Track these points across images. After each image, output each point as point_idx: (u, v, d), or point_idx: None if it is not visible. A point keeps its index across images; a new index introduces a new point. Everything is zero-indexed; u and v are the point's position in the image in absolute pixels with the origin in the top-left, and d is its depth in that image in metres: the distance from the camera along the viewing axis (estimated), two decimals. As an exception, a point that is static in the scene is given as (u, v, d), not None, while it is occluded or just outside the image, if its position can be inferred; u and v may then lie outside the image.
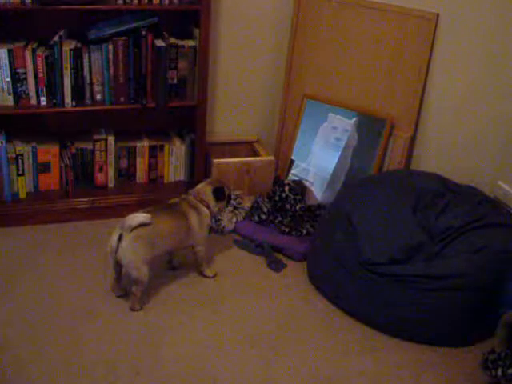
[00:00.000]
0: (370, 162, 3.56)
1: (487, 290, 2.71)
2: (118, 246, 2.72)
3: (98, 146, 3.54)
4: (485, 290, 2.70)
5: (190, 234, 2.97)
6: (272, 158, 3.82)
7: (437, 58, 3.32)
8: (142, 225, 2.74)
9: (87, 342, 2.65)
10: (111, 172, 3.63)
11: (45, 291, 2.93)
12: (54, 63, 3.24)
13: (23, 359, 2.52)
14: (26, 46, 3.24)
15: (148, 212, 2.82)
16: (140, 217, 2.75)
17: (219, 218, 3.45)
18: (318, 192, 3.70)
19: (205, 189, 3.08)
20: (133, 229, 2.71)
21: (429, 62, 3.34)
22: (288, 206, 3.52)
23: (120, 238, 2.71)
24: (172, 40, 3.43)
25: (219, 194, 3.09)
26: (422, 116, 3.44)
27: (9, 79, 3.23)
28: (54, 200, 3.50)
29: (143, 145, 3.68)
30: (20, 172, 3.45)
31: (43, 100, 3.31)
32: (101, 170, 3.60)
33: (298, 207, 3.50)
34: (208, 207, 3.04)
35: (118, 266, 2.81)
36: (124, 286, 2.91)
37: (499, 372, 2.42)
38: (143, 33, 3.32)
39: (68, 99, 3.32)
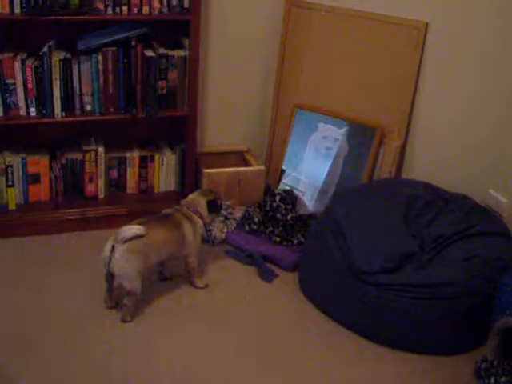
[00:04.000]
0: (360, 170, 3.56)
1: (479, 299, 2.70)
2: (110, 258, 2.71)
3: (88, 156, 3.53)
4: (476, 298, 2.70)
5: (184, 245, 2.96)
6: (263, 167, 3.82)
7: (426, 67, 3.33)
8: (136, 237, 2.73)
9: (77, 353, 2.63)
10: (101, 183, 3.62)
11: (34, 303, 2.91)
12: (43, 74, 3.23)
13: (12, 372, 2.50)
14: (15, 56, 3.23)
15: (141, 223, 2.81)
16: (134, 229, 2.74)
17: (210, 228, 3.44)
18: (309, 201, 3.70)
19: (198, 199, 3.08)
20: (126, 241, 2.70)
21: (418, 70, 3.35)
22: (279, 216, 3.51)
23: (113, 250, 2.70)
24: (162, 50, 3.42)
25: (213, 206, 3.10)
26: (413, 125, 3.44)
27: (-2, 90, 3.22)
28: (44, 211, 3.48)
29: (133, 155, 3.67)
30: (10, 183, 3.44)
31: (33, 111, 3.30)
32: (91, 180, 3.58)
33: (289, 217, 3.50)
34: (201, 218, 3.04)
35: (111, 277, 2.79)
36: (115, 298, 2.89)
37: (492, 380, 2.42)
38: (133, 43, 3.31)
39: (58, 110, 3.31)
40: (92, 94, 3.38)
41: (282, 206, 3.54)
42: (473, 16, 3.11)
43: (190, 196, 3.14)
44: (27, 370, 2.52)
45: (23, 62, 3.22)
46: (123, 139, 3.72)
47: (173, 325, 2.85)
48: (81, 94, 3.36)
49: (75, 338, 2.71)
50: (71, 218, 3.50)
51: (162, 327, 2.83)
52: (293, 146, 3.81)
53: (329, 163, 3.67)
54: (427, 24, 3.26)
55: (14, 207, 3.48)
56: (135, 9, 3.28)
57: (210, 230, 3.45)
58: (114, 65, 3.34)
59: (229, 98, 3.90)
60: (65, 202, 3.56)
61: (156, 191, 3.78)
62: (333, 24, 3.61)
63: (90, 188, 3.60)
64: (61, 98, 3.30)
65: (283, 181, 3.84)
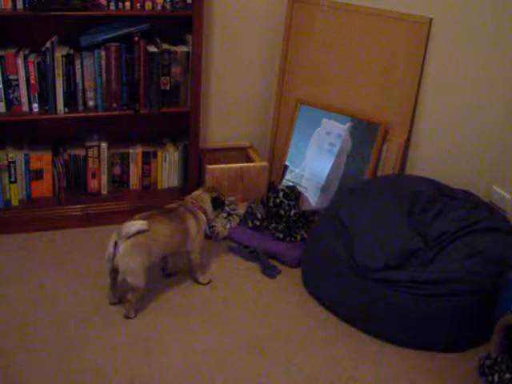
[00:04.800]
0: (364, 167, 3.55)
1: (482, 295, 2.70)
2: (114, 254, 2.71)
3: (90, 152, 3.53)
4: (480, 294, 2.70)
5: (187, 239, 2.96)
6: (266, 163, 3.81)
7: (430, 63, 3.32)
8: (140, 232, 2.73)
9: (81, 349, 2.63)
10: (104, 179, 3.61)
11: (38, 299, 2.91)
12: (46, 70, 3.22)
13: (15, 368, 2.50)
14: (17, 52, 3.23)
15: (145, 217, 2.81)
16: (137, 224, 2.74)
17: (213, 224, 3.44)
18: (312, 197, 3.69)
19: (202, 196, 3.09)
20: (130, 236, 2.70)
21: (422, 66, 3.34)
22: (282, 212, 3.50)
23: (117, 245, 2.70)
24: (165, 46, 3.42)
25: (217, 203, 3.11)
26: (417, 121, 3.44)
27: (1, 86, 3.21)
28: (46, 207, 3.48)
29: (136, 151, 3.67)
30: (12, 179, 3.44)
31: (35, 107, 3.29)
32: (94, 176, 3.58)
33: (292, 213, 3.49)
34: (205, 214, 3.05)
35: (114, 273, 2.80)
36: (119, 294, 2.89)
37: (496, 377, 2.41)
38: (136, 39, 3.30)
39: (60, 106, 3.31)
40: (95, 90, 3.37)
41: (285, 202, 3.53)
42: (476, 11, 3.10)
43: (195, 192, 3.14)
44: (29, 366, 2.52)
45: (26, 58, 3.21)
46: (126, 135, 3.72)
47: (176, 321, 2.85)
48: (83, 90, 3.36)
49: (78, 334, 2.71)
50: (74, 214, 3.50)
51: (166, 323, 2.82)
52: (296, 142, 3.81)
53: (332, 159, 3.66)
54: (431, 19, 3.25)
55: (16, 203, 3.48)
56: (138, 4, 3.28)
57: (213, 226, 3.45)
58: (117, 60, 3.33)
59: (232, 93, 3.90)
60: (67, 198, 3.56)
61: (159, 187, 3.78)
62: (336, 19, 3.60)
63: (92, 184, 3.60)
64: (63, 93, 3.30)
65: (286, 177, 3.83)
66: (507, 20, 3.00)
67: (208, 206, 3.07)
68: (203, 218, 3.04)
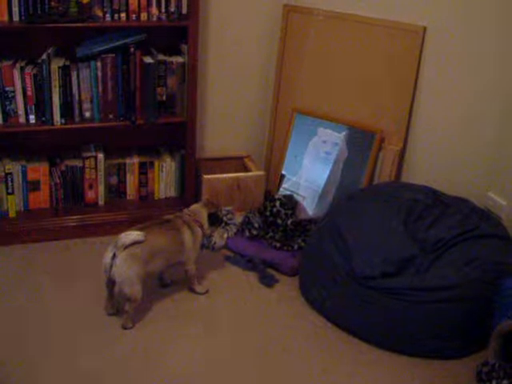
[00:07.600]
0: (360, 175, 3.56)
1: (480, 302, 2.70)
2: (111, 265, 2.71)
3: (87, 163, 3.53)
4: (477, 301, 2.70)
5: (183, 251, 2.96)
6: (262, 172, 3.81)
7: (425, 71, 3.33)
8: (136, 242, 2.73)
9: (78, 360, 2.62)
10: (101, 189, 3.62)
11: (35, 310, 2.91)
12: (42, 81, 3.24)
13: (14, 377, 2.50)
14: (14, 64, 3.24)
15: (141, 228, 2.82)
16: (133, 235, 2.74)
17: (211, 234, 3.44)
18: (309, 206, 3.69)
19: (200, 210, 3.09)
20: (126, 247, 2.70)
21: (417, 74, 3.35)
22: (279, 221, 3.51)
23: (114, 257, 2.70)
24: (160, 56, 3.43)
25: (214, 219, 3.11)
26: (412, 128, 3.44)
27: (-3, 98, 3.23)
28: (44, 218, 3.48)
29: (133, 161, 3.67)
30: (10, 191, 3.44)
31: (32, 118, 3.30)
32: (91, 187, 3.58)
33: (289, 222, 3.50)
34: (201, 227, 3.04)
35: (111, 284, 2.80)
36: (116, 305, 2.89)
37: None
38: (131, 50, 3.32)
39: (57, 117, 3.32)
40: (91, 101, 3.38)
41: (282, 211, 3.54)
42: (470, 19, 3.12)
43: (193, 206, 3.15)
44: (28, 376, 2.51)
45: (22, 70, 3.22)
46: (123, 146, 3.73)
47: (173, 331, 2.84)
48: (80, 101, 3.37)
49: (75, 345, 2.71)
50: (71, 224, 3.50)
51: (163, 333, 2.82)
52: (292, 151, 3.81)
53: (329, 168, 3.67)
54: (425, 28, 3.27)
55: (14, 214, 3.48)
56: (133, 15, 3.29)
57: (211, 236, 3.45)
58: (113, 71, 3.34)
59: (228, 103, 3.91)
60: (65, 209, 3.56)
61: (156, 197, 3.78)
62: (331, 29, 3.61)
63: (89, 195, 3.60)
64: (60, 105, 3.31)
65: (283, 186, 3.84)
66: (501, 28, 3.01)
67: (204, 221, 3.07)
68: (199, 231, 3.03)
